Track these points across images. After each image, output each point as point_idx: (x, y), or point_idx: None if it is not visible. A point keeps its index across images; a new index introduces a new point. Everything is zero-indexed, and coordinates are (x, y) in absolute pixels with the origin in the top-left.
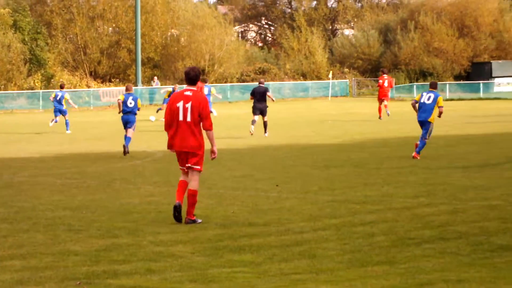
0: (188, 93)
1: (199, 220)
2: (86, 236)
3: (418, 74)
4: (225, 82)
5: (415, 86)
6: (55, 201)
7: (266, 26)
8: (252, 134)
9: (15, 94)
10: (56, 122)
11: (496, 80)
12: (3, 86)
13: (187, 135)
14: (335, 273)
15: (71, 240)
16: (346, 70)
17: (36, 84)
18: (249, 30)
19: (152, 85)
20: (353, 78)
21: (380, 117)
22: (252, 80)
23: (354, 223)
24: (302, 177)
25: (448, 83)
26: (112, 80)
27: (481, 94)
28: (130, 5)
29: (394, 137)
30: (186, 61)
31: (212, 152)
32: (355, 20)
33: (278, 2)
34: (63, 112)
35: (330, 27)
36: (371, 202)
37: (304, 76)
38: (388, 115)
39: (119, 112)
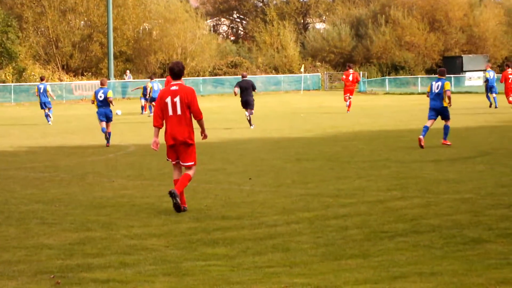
0: (174, 87)
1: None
2: (60, 229)
3: (390, 67)
4: (198, 76)
5: (387, 80)
6: (28, 194)
7: (238, 20)
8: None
9: None
10: (48, 115)
11: (467, 74)
12: None
13: (178, 128)
14: (308, 266)
15: (44, 233)
16: (318, 64)
17: (8, 78)
18: (221, 24)
19: (124, 79)
20: (325, 72)
21: (348, 111)
22: (225, 74)
23: (327, 217)
24: (274, 170)
25: (420, 77)
26: (85, 73)
27: (452, 88)
28: None
29: (366, 131)
30: (158, 55)
31: (204, 135)
32: (327, 14)
33: None
34: (47, 104)
35: (302, 21)
36: (344, 196)
37: (276, 70)
38: (348, 112)
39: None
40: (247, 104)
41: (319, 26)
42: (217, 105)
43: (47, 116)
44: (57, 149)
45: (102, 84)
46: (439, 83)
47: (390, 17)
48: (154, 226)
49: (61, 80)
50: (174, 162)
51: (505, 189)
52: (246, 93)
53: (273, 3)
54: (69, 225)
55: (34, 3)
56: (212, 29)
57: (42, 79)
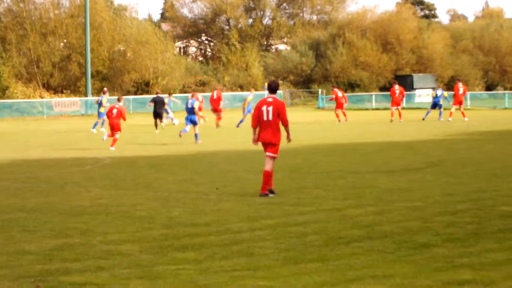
0: (269, 99)
1: (272, 194)
2: (40, 236)
3: (347, 85)
4: (169, 94)
5: None
6: (10, 204)
7: (206, 42)
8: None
9: None
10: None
11: (417, 92)
12: None
13: (269, 131)
14: (271, 270)
15: (25, 240)
16: (280, 82)
17: None
18: (190, 46)
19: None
20: (287, 90)
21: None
22: (194, 92)
23: (288, 224)
24: (240, 181)
25: (374, 94)
26: (64, 91)
27: (404, 104)
28: (80, 22)
29: (324, 144)
30: (132, 74)
31: (288, 138)
32: (288, 36)
33: (217, 19)
34: (99, 115)
35: (265, 43)
36: (304, 204)
37: (241, 88)
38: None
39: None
40: (160, 116)
41: (282, 47)
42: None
43: (95, 124)
44: (38, 161)
45: (192, 96)
46: None
47: (346, 39)
48: (129, 233)
49: (42, 97)
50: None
51: (451, 198)
52: (159, 107)
53: (238, 26)
54: (49, 232)
55: (17, 27)
56: (182, 50)
57: (104, 92)
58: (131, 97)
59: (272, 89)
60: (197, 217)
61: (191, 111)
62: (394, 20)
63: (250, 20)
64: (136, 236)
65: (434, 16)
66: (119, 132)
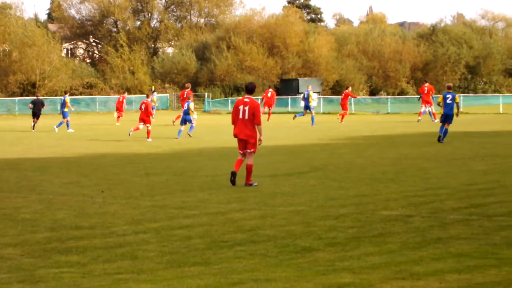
0: (246, 99)
1: (255, 184)
2: None
3: (233, 89)
4: (56, 96)
5: (229, 100)
6: None
7: (94, 43)
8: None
9: None
10: (62, 124)
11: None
12: None
13: (245, 128)
14: (154, 273)
15: None
16: (167, 85)
17: None
18: (78, 47)
19: None
20: (173, 93)
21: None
22: (81, 94)
23: (173, 227)
24: (125, 184)
25: (259, 98)
26: None
27: (289, 108)
28: None
29: (210, 147)
30: (17, 76)
31: (259, 140)
32: (176, 38)
33: (105, 21)
34: (64, 115)
35: (153, 45)
36: (188, 207)
37: (129, 91)
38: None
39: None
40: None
41: (169, 50)
42: (74, 123)
43: (67, 124)
44: None
45: (188, 98)
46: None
47: (231, 43)
48: (10, 236)
49: None
50: (241, 152)
51: (334, 202)
52: (39, 108)
53: (126, 29)
54: None
55: None
56: (70, 52)
57: (65, 92)
58: (16, 98)
59: (249, 90)
60: (82, 220)
61: (186, 112)
62: (281, 24)
63: (138, 23)
64: (19, 240)
65: (321, 20)
66: (149, 124)
